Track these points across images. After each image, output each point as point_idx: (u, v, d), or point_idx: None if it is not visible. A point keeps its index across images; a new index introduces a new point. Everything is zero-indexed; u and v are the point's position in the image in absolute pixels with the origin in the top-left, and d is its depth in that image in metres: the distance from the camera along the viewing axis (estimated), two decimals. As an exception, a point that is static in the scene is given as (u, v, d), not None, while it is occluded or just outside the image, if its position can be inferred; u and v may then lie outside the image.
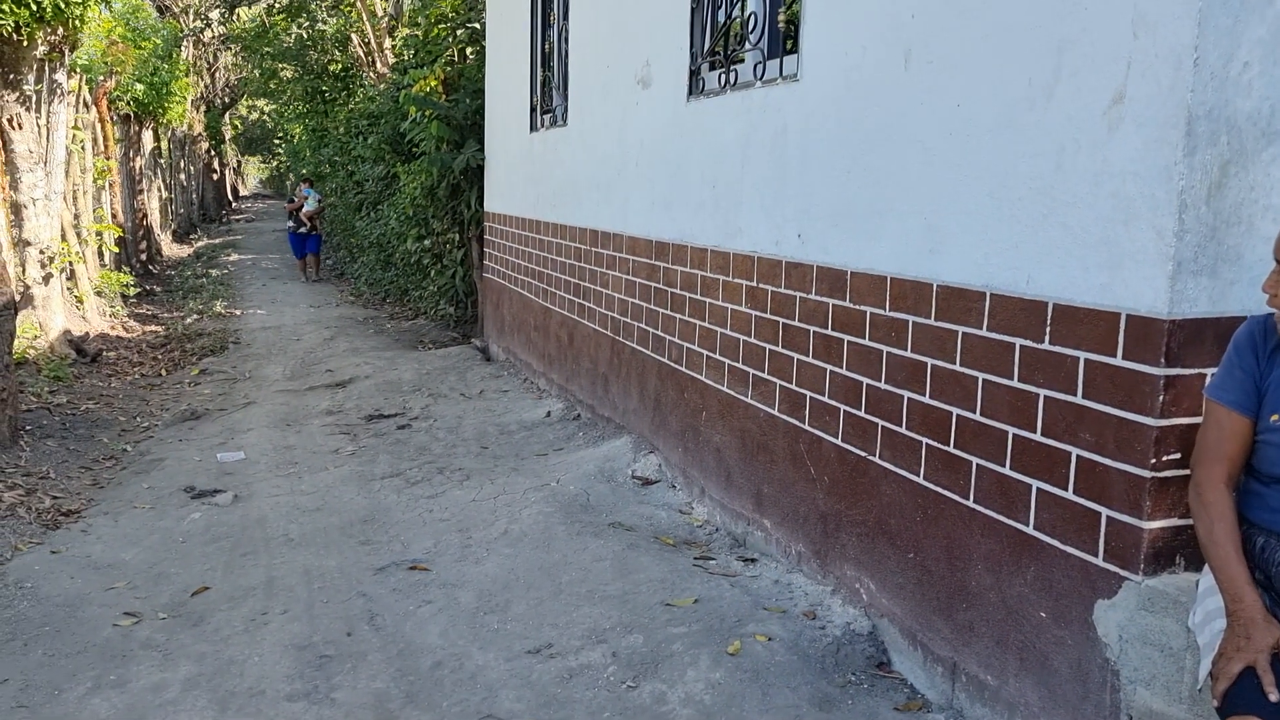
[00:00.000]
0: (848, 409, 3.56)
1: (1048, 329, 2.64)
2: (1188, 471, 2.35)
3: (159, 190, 21.96)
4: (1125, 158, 2.41)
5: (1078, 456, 2.55)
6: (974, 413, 2.91)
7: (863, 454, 3.48)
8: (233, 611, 3.96)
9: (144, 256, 17.48)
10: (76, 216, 11.85)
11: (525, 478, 5.42)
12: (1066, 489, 2.59)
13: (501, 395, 7.60)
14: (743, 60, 4.40)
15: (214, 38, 26.02)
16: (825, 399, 3.71)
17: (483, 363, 8.94)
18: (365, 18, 17.05)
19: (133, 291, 13.52)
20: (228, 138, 39.53)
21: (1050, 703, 2.66)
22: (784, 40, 4.21)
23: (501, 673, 3.37)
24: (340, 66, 19.30)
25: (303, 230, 16.90)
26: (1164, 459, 2.35)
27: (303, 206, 16.79)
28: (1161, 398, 2.33)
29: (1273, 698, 1.81)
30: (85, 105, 12.99)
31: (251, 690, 3.33)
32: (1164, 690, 2.34)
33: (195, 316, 12.82)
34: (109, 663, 3.55)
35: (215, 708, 3.23)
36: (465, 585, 4.08)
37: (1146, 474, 2.36)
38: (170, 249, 22.16)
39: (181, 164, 27.55)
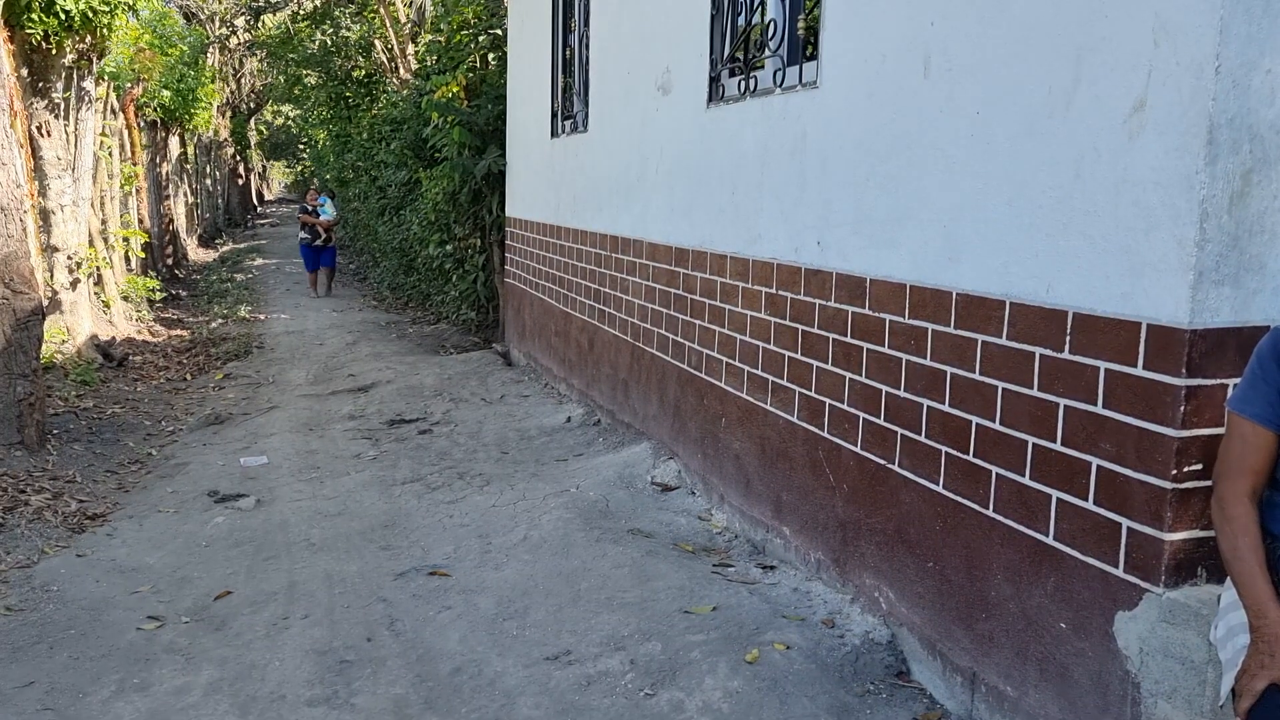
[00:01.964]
0: (867, 417, 3.55)
1: (1068, 338, 2.62)
2: (1209, 483, 2.32)
3: (185, 195, 22.19)
4: (1146, 166, 2.39)
5: (1098, 467, 2.53)
6: (994, 422, 2.90)
7: (882, 462, 3.47)
8: (255, 616, 3.99)
9: (170, 261, 17.67)
10: (104, 222, 12.00)
11: (545, 483, 5.43)
12: (1087, 499, 2.57)
13: (522, 400, 7.62)
14: (762, 67, 4.40)
15: (239, 44, 26.25)
16: (845, 407, 3.70)
17: (504, 368, 8.97)
18: (388, 24, 17.16)
19: (159, 296, 13.66)
20: (253, 143, 39.88)
21: (1070, 714, 2.64)
22: (804, 47, 4.21)
23: (520, 679, 3.38)
24: (363, 72, 19.43)
25: (318, 242, 15.47)
26: (1185, 470, 2.33)
27: (318, 215, 15.40)
28: (1183, 408, 2.31)
29: None
30: (113, 112, 13.15)
31: (273, 695, 3.36)
32: (1185, 703, 2.31)
33: (220, 321, 12.93)
34: (133, 666, 3.59)
35: (237, 712, 3.26)
36: (485, 591, 4.09)
37: (1168, 485, 2.34)
38: (196, 254, 22.38)
39: (207, 169, 27.83)
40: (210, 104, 20.83)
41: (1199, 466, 2.34)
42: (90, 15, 8.98)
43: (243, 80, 32.40)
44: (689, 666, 3.35)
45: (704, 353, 4.96)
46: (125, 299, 12.02)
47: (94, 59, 9.90)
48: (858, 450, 3.62)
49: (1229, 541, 1.96)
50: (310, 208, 15.55)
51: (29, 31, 8.76)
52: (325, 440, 6.86)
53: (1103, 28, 2.50)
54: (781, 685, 3.22)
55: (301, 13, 19.84)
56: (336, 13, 19.16)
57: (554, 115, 7.80)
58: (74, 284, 9.57)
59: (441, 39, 11.48)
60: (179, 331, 12.09)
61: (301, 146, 37.16)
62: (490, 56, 10.57)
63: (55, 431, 6.67)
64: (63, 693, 3.42)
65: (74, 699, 3.38)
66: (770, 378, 4.27)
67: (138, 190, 14.97)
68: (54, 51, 9.19)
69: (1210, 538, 2.36)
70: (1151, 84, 2.37)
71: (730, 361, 4.66)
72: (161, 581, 4.40)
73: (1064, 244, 2.64)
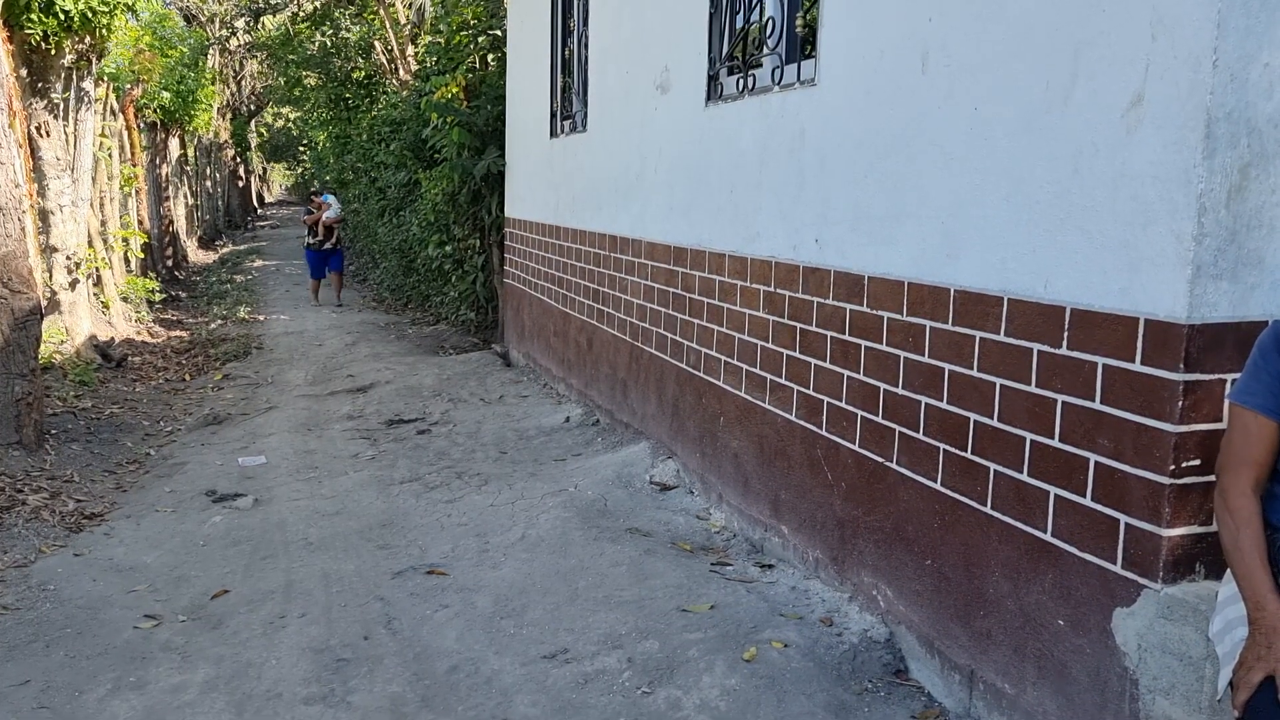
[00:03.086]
0: (865, 414, 3.55)
1: (1066, 334, 2.62)
2: (1208, 478, 2.32)
3: (185, 197, 22.19)
4: (1144, 161, 2.38)
5: (1096, 463, 2.52)
6: (991, 418, 2.89)
7: (880, 460, 3.46)
8: (251, 614, 3.98)
9: (170, 262, 17.66)
10: (103, 223, 11.99)
11: (543, 483, 5.42)
12: (1085, 495, 2.56)
13: (521, 400, 7.61)
14: (761, 65, 4.40)
15: (240, 46, 26.25)
16: (843, 404, 3.69)
17: (503, 368, 8.96)
18: (388, 25, 17.16)
19: (158, 297, 13.65)
20: (253, 145, 39.90)
21: (1069, 711, 2.63)
22: (802, 45, 4.20)
23: (517, 677, 3.37)
24: (363, 74, 19.43)
25: (327, 246, 14.43)
26: (1184, 465, 2.32)
27: (321, 218, 14.38)
28: (1181, 404, 2.30)
29: None
30: (112, 113, 13.15)
31: (269, 693, 3.35)
32: (1183, 699, 2.30)
33: (219, 322, 12.93)
34: (129, 664, 3.58)
35: (233, 710, 3.25)
36: (482, 590, 4.08)
37: (1166, 481, 2.33)
38: (196, 255, 22.38)
39: (207, 171, 27.83)
40: (210, 106, 20.85)
41: (1197, 462, 2.33)
42: (90, 16, 8.98)
43: (243, 82, 32.42)
44: (686, 665, 3.34)
45: (702, 351, 4.95)
46: (124, 300, 12.01)
47: (93, 60, 9.90)
48: (856, 448, 3.61)
49: (1230, 534, 1.94)
50: (313, 210, 14.70)
51: (28, 32, 8.76)
52: (323, 440, 6.85)
53: (1100, 22, 2.50)
54: (779, 683, 3.21)
55: (301, 14, 19.84)
56: (336, 14, 19.16)
57: (553, 115, 7.80)
58: (73, 284, 9.57)
59: (441, 40, 11.47)
60: (178, 332, 12.08)
61: (302, 149, 37.17)
62: (490, 57, 10.57)
63: (53, 431, 6.66)
64: (59, 691, 3.41)
65: (70, 697, 3.37)
66: (768, 376, 4.26)
67: (137, 191, 14.97)
68: (53, 52, 9.19)
69: (1208, 533, 2.36)
70: (1149, 78, 2.36)
71: (728, 360, 4.65)
72: (158, 580, 4.39)
73: (1062, 239, 2.63)
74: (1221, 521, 1.97)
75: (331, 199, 14.85)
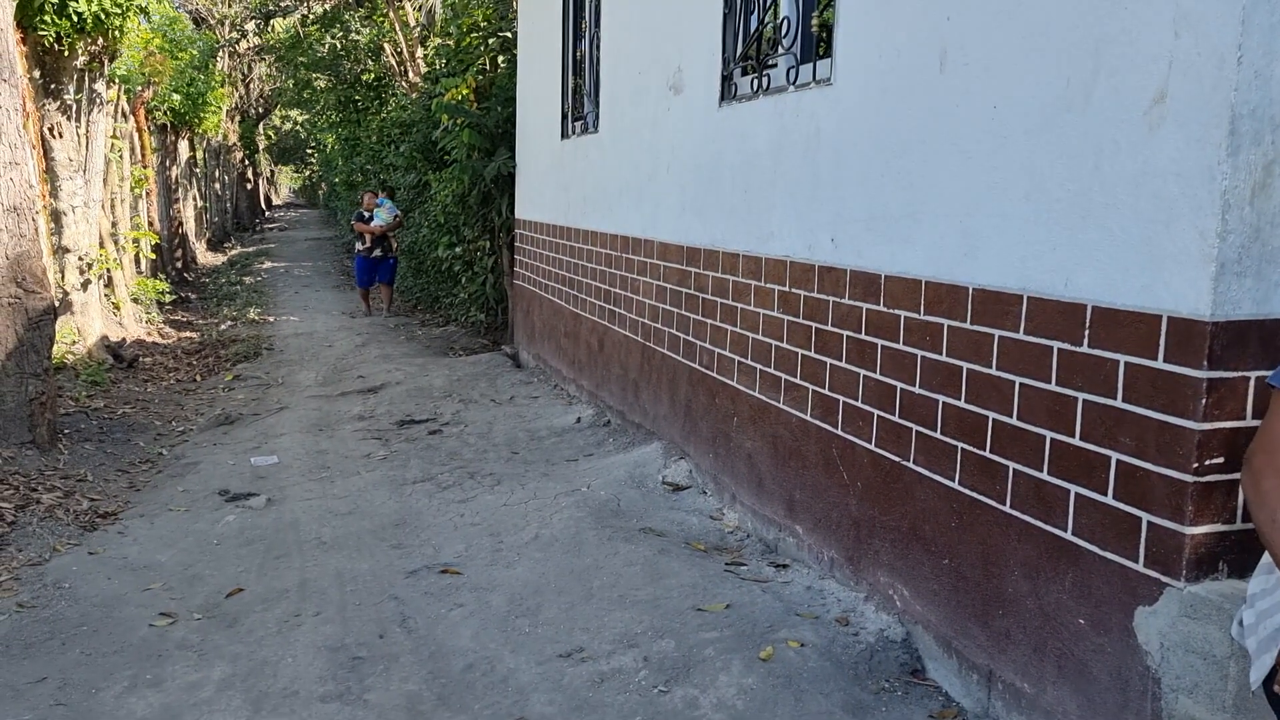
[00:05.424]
0: (881, 414, 3.54)
1: (1086, 332, 2.61)
2: (1232, 476, 2.32)
3: (194, 199, 22.26)
4: (1166, 158, 2.38)
5: (1117, 461, 2.52)
6: (1010, 417, 2.88)
7: (896, 459, 3.45)
8: (266, 613, 3.99)
9: (179, 264, 17.72)
10: (114, 224, 12.03)
11: (556, 483, 5.42)
12: (1106, 494, 2.55)
13: (532, 401, 7.62)
14: (775, 65, 4.40)
15: (249, 49, 26.32)
16: (858, 404, 3.68)
17: (513, 369, 8.97)
18: (398, 27, 17.19)
19: (168, 298, 13.69)
20: (261, 147, 39.99)
21: (1089, 711, 2.62)
22: (817, 44, 4.20)
23: (533, 676, 3.37)
24: (373, 76, 19.47)
25: (376, 253, 13.18)
26: (1207, 463, 2.32)
27: (371, 220, 13.15)
28: (1204, 401, 2.29)
29: None
30: (123, 115, 13.19)
31: (285, 691, 3.35)
32: (1207, 698, 2.29)
33: (229, 323, 12.95)
34: (145, 662, 3.59)
35: (249, 708, 3.25)
36: (496, 589, 4.08)
37: (1189, 479, 2.33)
38: (205, 257, 22.44)
39: (216, 173, 27.91)
40: (219, 108, 20.90)
41: (1221, 460, 2.32)
42: (102, 17, 9.01)
43: (252, 85, 32.51)
44: (703, 664, 3.34)
45: (716, 352, 4.95)
46: (135, 301, 12.05)
47: (105, 61, 9.94)
48: (872, 447, 3.61)
49: (1266, 514, 1.82)
50: (366, 215, 13.30)
51: (41, 34, 8.80)
52: (335, 440, 6.86)
53: (1122, 19, 2.49)
54: (796, 682, 3.21)
55: (311, 17, 19.89)
56: (346, 16, 19.20)
57: (564, 116, 7.80)
58: (85, 285, 9.60)
59: (451, 42, 11.49)
60: (188, 333, 12.11)
61: (310, 151, 37.26)
62: (500, 59, 10.58)
63: (66, 431, 6.68)
64: (75, 688, 3.41)
65: (87, 694, 3.37)
66: (783, 376, 4.26)
67: (147, 193, 15.00)
68: (66, 54, 9.22)
69: (1231, 531, 2.35)
70: (1172, 75, 2.36)
71: (742, 360, 4.65)
72: (173, 579, 4.40)
73: (1083, 237, 2.63)
74: (1255, 505, 1.85)
75: (385, 202, 13.43)
